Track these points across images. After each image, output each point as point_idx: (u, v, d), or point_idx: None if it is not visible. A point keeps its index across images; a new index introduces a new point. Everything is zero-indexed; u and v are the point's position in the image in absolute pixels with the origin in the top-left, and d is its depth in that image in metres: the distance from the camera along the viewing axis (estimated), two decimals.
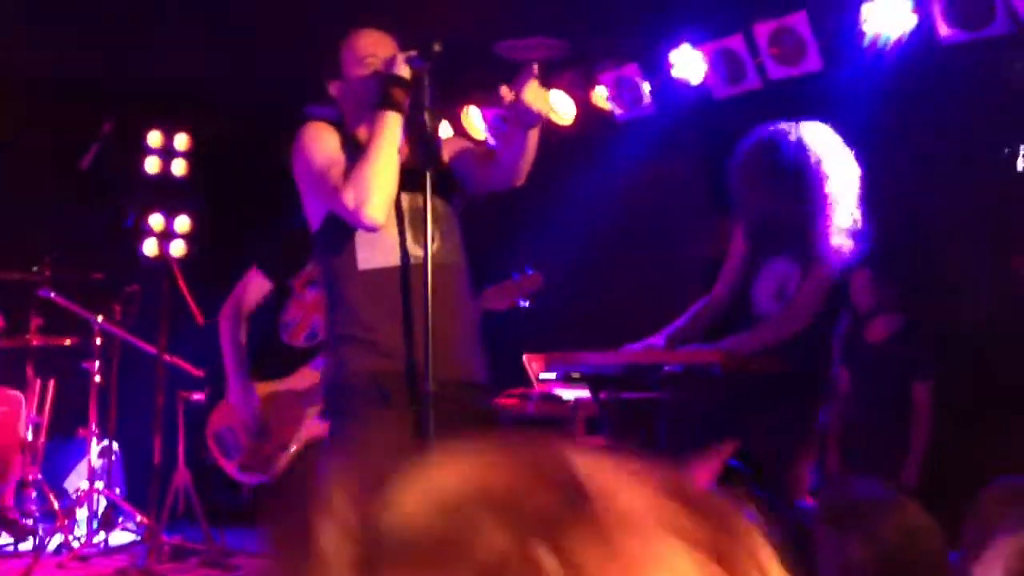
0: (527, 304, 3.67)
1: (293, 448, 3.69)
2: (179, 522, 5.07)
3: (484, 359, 2.70)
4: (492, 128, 6.45)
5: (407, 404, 2.49)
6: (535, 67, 2.51)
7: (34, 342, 5.23)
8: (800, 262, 3.87)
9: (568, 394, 4.73)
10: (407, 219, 2.57)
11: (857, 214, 3.87)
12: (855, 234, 3.85)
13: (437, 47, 2.49)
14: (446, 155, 2.73)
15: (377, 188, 2.45)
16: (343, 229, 2.55)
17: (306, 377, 3.72)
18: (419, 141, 2.57)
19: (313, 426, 3.67)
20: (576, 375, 4.06)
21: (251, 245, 4.15)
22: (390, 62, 2.53)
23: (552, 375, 4.15)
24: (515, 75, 2.50)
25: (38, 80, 6.24)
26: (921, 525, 1.69)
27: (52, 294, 5.19)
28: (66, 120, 6.05)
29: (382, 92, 2.51)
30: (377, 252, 2.54)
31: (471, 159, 2.76)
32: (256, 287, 3.77)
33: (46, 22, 5.56)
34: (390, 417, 2.48)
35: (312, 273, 3.78)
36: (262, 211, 5.58)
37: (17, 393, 5.16)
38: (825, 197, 3.80)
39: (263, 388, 3.75)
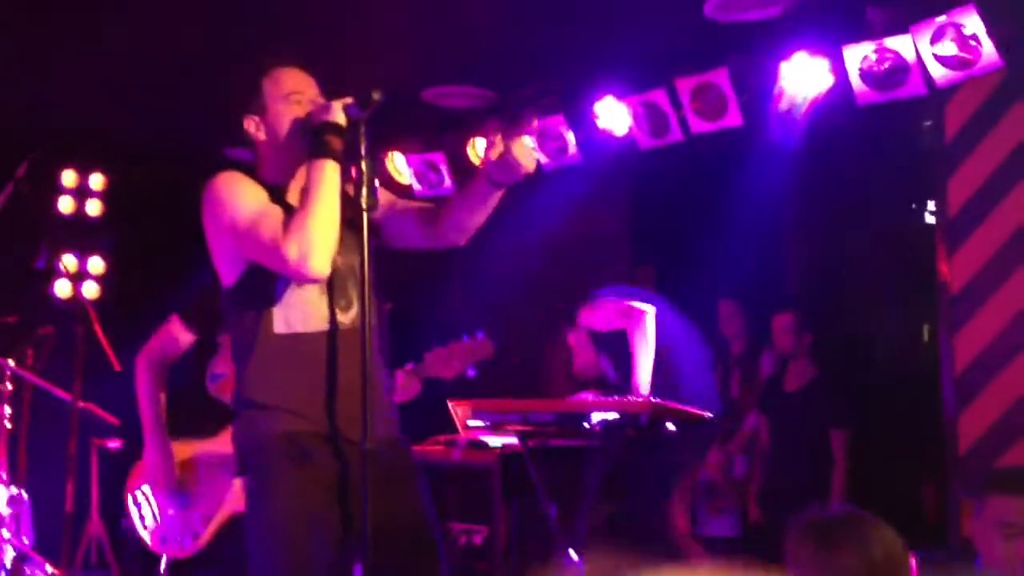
0: (473, 373, 3.44)
1: (217, 520, 3.39)
2: (91, 573, 4.90)
3: (397, 416, 2.62)
4: (417, 174, 6.46)
5: (326, 463, 2.39)
6: (535, 122, 2.43)
7: None
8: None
9: (494, 441, 4.72)
10: (328, 281, 2.43)
11: None
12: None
13: (376, 96, 2.38)
14: (385, 207, 2.62)
15: (321, 239, 2.33)
16: (259, 289, 2.42)
17: (226, 439, 3.46)
18: (355, 192, 2.45)
19: (240, 497, 3.42)
20: (505, 423, 4.06)
21: (171, 293, 3.91)
22: (324, 108, 2.42)
23: (479, 422, 4.13)
24: (507, 123, 2.41)
25: None
26: (894, 536, 1.96)
27: None
28: None
29: (318, 140, 2.40)
30: (295, 315, 2.42)
31: (409, 214, 2.66)
32: (178, 338, 3.42)
33: None
34: (309, 475, 2.38)
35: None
36: (178, 254, 5.47)
37: None
38: None
39: (186, 447, 3.47)
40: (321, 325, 2.44)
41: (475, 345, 3.36)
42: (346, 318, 2.46)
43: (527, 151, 2.42)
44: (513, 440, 4.25)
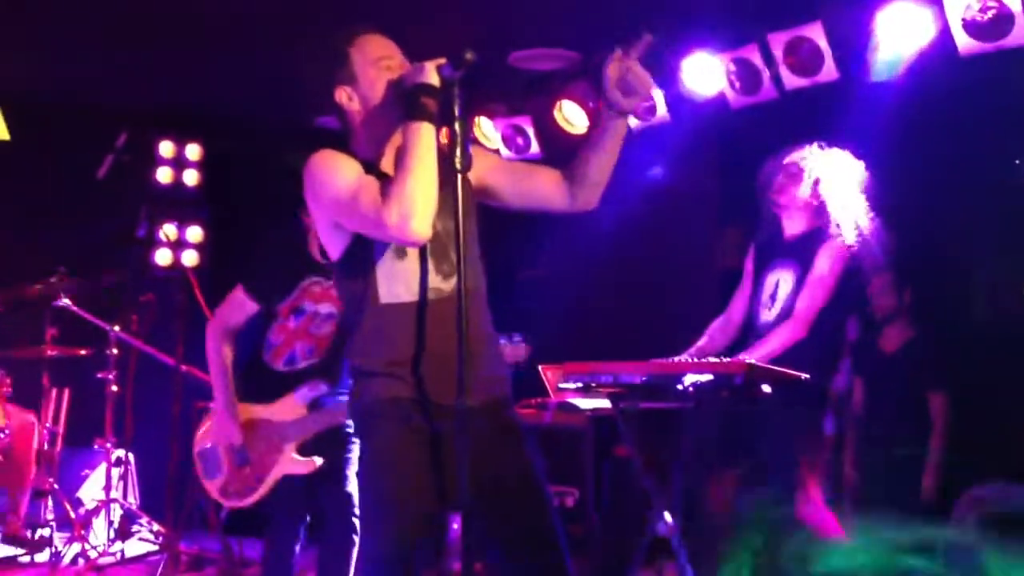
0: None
1: (268, 482, 3.63)
2: (196, 532, 5.08)
3: (506, 376, 2.65)
4: (505, 139, 6.46)
5: (430, 427, 2.43)
6: (650, 37, 2.42)
7: (50, 352, 5.23)
8: (794, 268, 3.91)
9: (585, 404, 4.72)
10: (429, 248, 2.47)
11: (863, 223, 3.90)
12: (860, 244, 3.88)
13: (469, 56, 2.36)
14: (483, 169, 2.63)
15: (421, 200, 2.35)
16: (364, 261, 2.46)
17: (288, 409, 3.64)
18: (449, 153, 2.47)
19: (288, 463, 3.61)
20: (596, 385, 4.05)
21: (240, 263, 4.05)
22: (418, 70, 2.41)
23: (571, 385, 4.13)
24: (600, 59, 2.40)
25: (53, 94, 6.26)
26: None
27: (68, 304, 5.19)
28: (81, 132, 6.06)
29: (412, 102, 2.40)
30: (399, 285, 2.46)
31: (537, 175, 2.67)
32: (241, 308, 3.67)
33: (62, 38, 5.58)
34: (413, 439, 2.44)
35: (297, 302, 3.70)
36: (273, 221, 5.58)
37: (31, 415, 5.16)
38: (824, 212, 3.87)
39: (246, 411, 3.69)
40: (424, 293, 2.47)
41: (511, 348, 3.42)
42: (448, 285, 2.48)
43: (644, 71, 2.41)
44: (604, 403, 4.24)
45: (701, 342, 4.14)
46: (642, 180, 6.00)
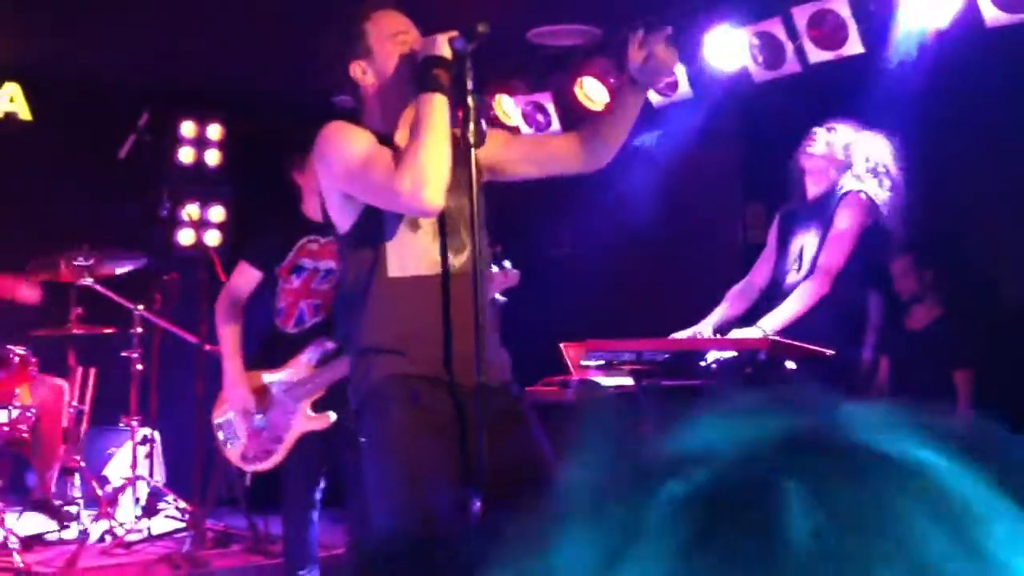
0: (502, 299, 3.62)
1: (286, 443, 3.71)
2: (222, 509, 5.12)
3: (508, 359, 2.64)
4: (525, 116, 6.43)
5: (438, 405, 2.42)
6: (670, 29, 2.47)
7: (75, 331, 5.27)
8: (817, 228, 3.90)
9: (607, 381, 4.71)
10: (440, 222, 2.46)
11: (882, 191, 3.88)
12: (884, 204, 3.87)
13: (482, 28, 2.37)
14: (494, 144, 2.60)
15: (433, 170, 2.34)
16: (374, 233, 2.45)
17: (299, 369, 3.71)
18: (462, 128, 2.45)
19: (304, 421, 3.68)
20: (618, 362, 4.04)
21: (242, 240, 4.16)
22: (430, 42, 2.42)
23: (593, 362, 4.12)
24: (621, 40, 2.44)
25: (75, 73, 6.28)
26: None
27: (92, 283, 5.22)
28: (103, 112, 6.08)
29: (425, 74, 2.40)
30: (409, 258, 2.45)
31: (547, 143, 2.76)
32: (245, 277, 3.82)
33: (83, 19, 5.59)
34: (421, 417, 2.42)
35: (295, 261, 3.77)
36: (296, 200, 5.59)
37: (61, 381, 5.21)
38: (845, 172, 3.90)
39: (260, 377, 3.77)
40: (434, 268, 2.46)
41: (502, 276, 3.51)
42: (458, 260, 2.47)
43: (669, 52, 2.44)
44: (627, 380, 4.23)
45: (720, 309, 4.13)
46: (666, 156, 5.96)
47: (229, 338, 3.75)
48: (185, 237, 6.55)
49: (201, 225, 6.54)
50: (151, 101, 6.06)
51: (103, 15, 5.55)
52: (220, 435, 3.88)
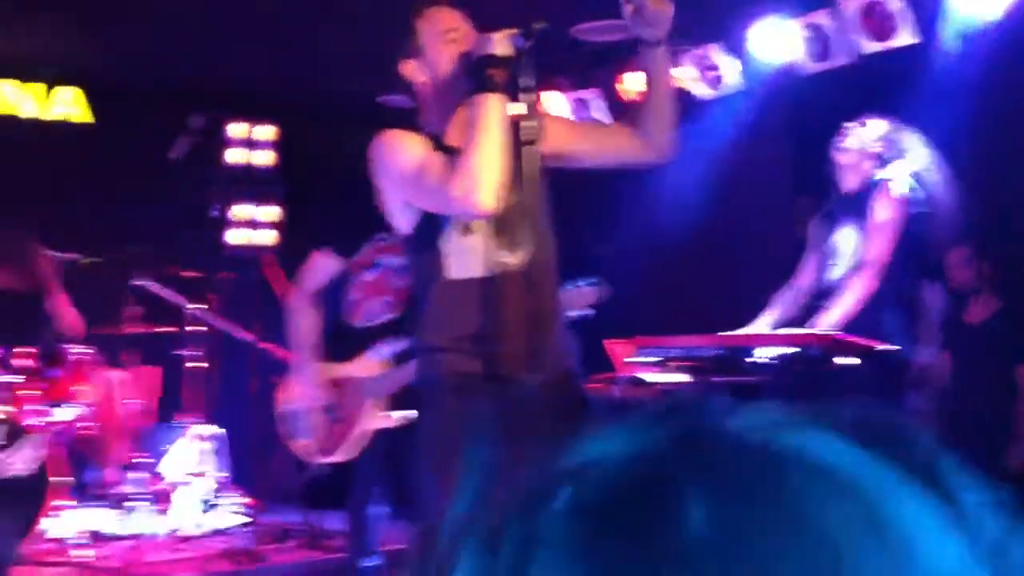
0: (580, 315, 3.59)
1: (353, 439, 3.71)
2: (278, 505, 5.21)
3: (575, 351, 2.66)
4: (572, 113, 6.44)
5: (497, 403, 2.45)
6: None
7: (133, 330, 5.38)
8: (855, 222, 3.88)
9: (654, 378, 4.71)
10: (499, 222, 2.45)
11: (930, 184, 3.85)
12: (927, 198, 3.84)
13: (539, 26, 2.35)
14: (552, 138, 2.60)
15: (487, 173, 2.34)
16: (432, 237, 2.47)
17: (367, 366, 3.72)
18: (520, 125, 2.46)
19: (371, 418, 3.69)
20: (668, 359, 4.04)
21: (339, 227, 4.15)
22: (486, 41, 2.39)
23: (642, 359, 4.13)
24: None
25: (129, 76, 6.40)
26: None
27: (149, 284, 5.33)
28: (161, 114, 6.20)
29: (481, 73, 2.38)
30: (467, 260, 2.46)
31: (602, 133, 2.73)
32: (319, 267, 3.77)
33: (139, 23, 5.69)
34: (479, 415, 2.45)
35: (369, 256, 3.78)
36: (348, 199, 5.65)
37: (120, 378, 5.33)
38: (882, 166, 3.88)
39: (328, 371, 3.77)
40: (492, 268, 2.47)
41: (582, 294, 3.47)
42: (516, 259, 2.48)
43: (661, 4, 2.39)
44: (675, 377, 4.23)
45: (770, 313, 4.10)
46: (715, 150, 5.93)
47: (304, 329, 3.71)
48: (239, 237, 6.65)
49: (254, 225, 6.63)
50: (206, 103, 6.18)
51: (160, 20, 5.65)
52: (287, 426, 3.88)
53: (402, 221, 2.53)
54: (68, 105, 6.53)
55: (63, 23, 5.74)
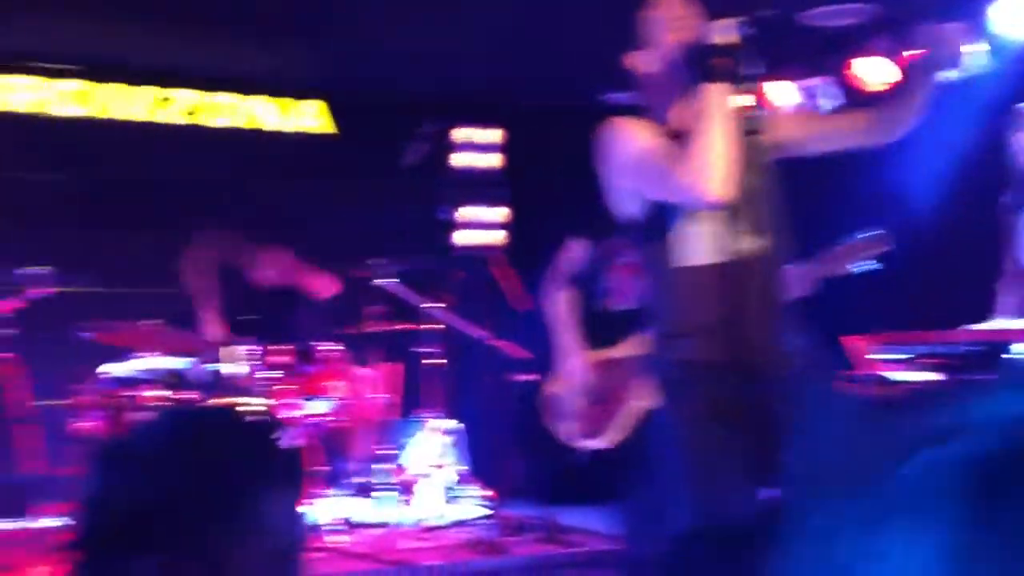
0: (871, 266, 3.48)
1: (620, 420, 3.71)
2: (519, 499, 5.36)
3: (802, 346, 2.60)
4: (801, 101, 6.27)
5: (730, 391, 2.43)
6: (963, 25, 2.43)
7: (374, 328, 5.67)
8: None
9: (896, 376, 4.54)
10: (728, 210, 2.44)
11: None
12: None
13: (764, 13, 2.36)
14: (776, 127, 2.61)
15: (716, 162, 2.34)
16: (660, 225, 2.49)
17: (632, 346, 3.67)
18: (748, 113, 2.44)
19: (638, 398, 3.65)
20: (915, 356, 3.89)
21: (566, 225, 4.17)
22: (712, 29, 2.39)
23: (887, 356, 3.98)
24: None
25: (366, 88, 6.74)
26: None
27: (388, 283, 5.59)
28: (396, 123, 6.49)
29: (708, 62, 2.38)
30: (698, 248, 2.47)
31: (830, 120, 2.74)
32: (574, 254, 3.84)
33: (376, 37, 5.98)
34: (713, 403, 2.44)
35: (623, 240, 3.78)
36: (576, 199, 5.74)
37: (369, 375, 5.63)
38: None
39: (595, 353, 3.79)
40: (724, 255, 2.47)
41: (872, 242, 3.33)
42: (747, 246, 2.47)
43: (963, 43, 2.44)
44: (925, 375, 4.06)
45: (1005, 301, 3.88)
46: (957, 138, 5.64)
47: (563, 313, 3.77)
48: (465, 238, 6.88)
49: (483, 226, 6.85)
50: (437, 111, 6.45)
51: (396, 33, 5.92)
52: (552, 410, 3.90)
53: (628, 209, 2.56)
54: (312, 117, 6.94)
55: (306, 41, 6.12)
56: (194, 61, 6.47)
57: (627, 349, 3.73)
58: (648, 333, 2.67)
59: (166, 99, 6.61)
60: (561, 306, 3.79)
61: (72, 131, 6.33)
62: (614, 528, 4.01)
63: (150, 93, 6.56)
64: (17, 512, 4.68)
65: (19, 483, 4.68)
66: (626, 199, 2.56)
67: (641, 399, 3.66)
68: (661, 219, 2.50)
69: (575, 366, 3.76)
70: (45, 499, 4.69)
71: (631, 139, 2.49)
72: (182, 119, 6.64)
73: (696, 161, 2.34)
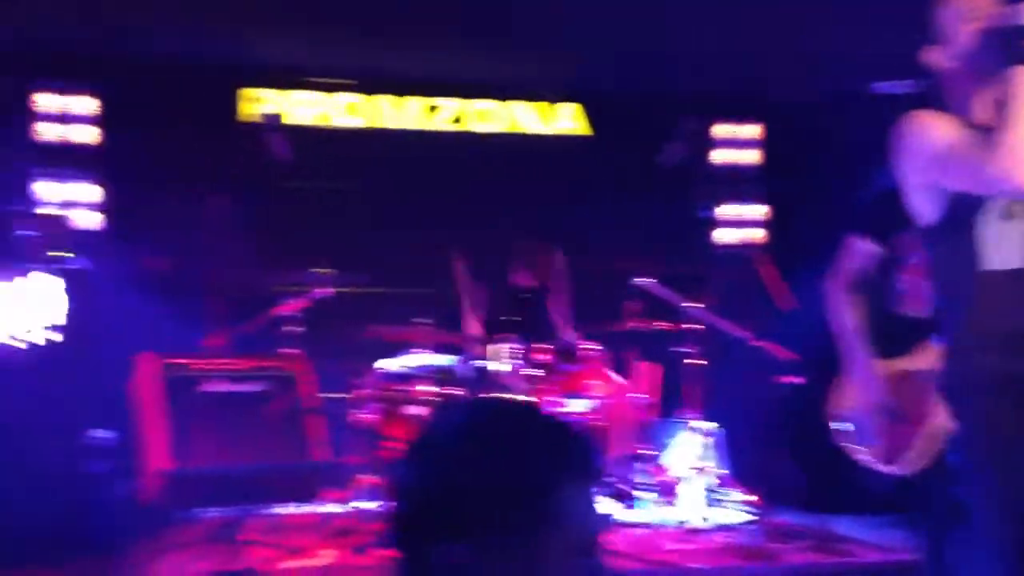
0: None
1: (925, 440, 3.34)
2: (783, 504, 5.22)
3: None
4: None
5: None
6: None
7: (633, 327, 5.68)
8: None
9: None
10: None
11: None
12: None
13: None
14: None
15: None
16: (965, 225, 2.35)
17: (929, 355, 3.29)
18: None
19: (942, 416, 3.33)
20: None
21: (838, 219, 3.91)
22: (1015, 12, 2.26)
23: None
24: None
25: (621, 89, 6.79)
26: None
27: (647, 282, 5.59)
28: (648, 121, 6.50)
29: (1011, 46, 2.26)
30: (1006, 251, 2.31)
31: None
32: (857, 253, 3.46)
33: (626, 37, 6.01)
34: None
35: (915, 239, 3.47)
36: (839, 193, 5.53)
37: (625, 375, 5.66)
38: None
39: (883, 366, 3.43)
40: None
41: None
42: None
43: None
44: None
45: None
46: None
47: (852, 319, 3.43)
48: (725, 236, 6.78)
49: (742, 224, 6.72)
50: (693, 108, 6.40)
51: (650, 34, 5.92)
52: (846, 433, 3.58)
53: (926, 208, 2.43)
54: (570, 120, 7.09)
55: (561, 46, 6.24)
56: (458, 72, 6.79)
57: (921, 360, 3.40)
58: (941, 343, 2.52)
59: (433, 108, 6.98)
60: (849, 312, 3.45)
61: (350, 141, 6.79)
62: (892, 540, 3.79)
63: (419, 103, 6.95)
64: (307, 498, 5.04)
65: (309, 470, 5.04)
66: (922, 197, 2.44)
67: (942, 418, 3.22)
68: (964, 219, 2.37)
69: (871, 381, 3.42)
70: (331, 486, 5.03)
71: (933, 131, 2.39)
72: (449, 126, 6.98)
73: (1008, 147, 2.21)
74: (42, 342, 4.69)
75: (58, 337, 4.80)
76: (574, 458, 1.31)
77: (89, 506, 4.69)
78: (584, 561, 1.28)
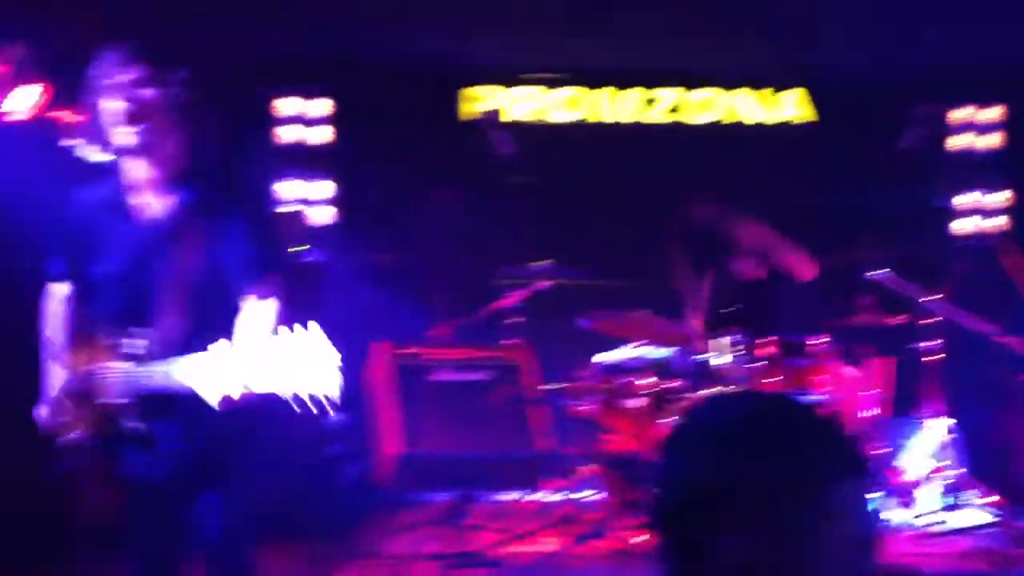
0: None
1: None
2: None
3: None
4: None
5: None
6: None
7: (864, 321, 5.43)
8: None
9: None
10: None
11: None
12: None
13: None
14: None
15: None
16: None
17: None
18: None
19: None
20: None
21: None
22: None
23: None
24: None
25: (847, 74, 6.52)
26: None
27: (883, 275, 5.33)
28: (879, 108, 6.23)
29: None
30: None
31: None
32: None
33: (848, 19, 5.76)
34: None
35: None
36: None
37: (856, 370, 5.41)
38: None
39: None
40: None
41: None
42: None
43: None
44: None
45: None
46: None
47: None
48: (964, 225, 6.38)
49: (982, 213, 6.31)
50: (924, 92, 6.06)
51: (878, 18, 5.65)
52: None
53: None
54: (793, 107, 6.87)
55: (782, 32, 6.04)
56: (676, 62, 6.70)
57: None
58: None
59: (651, 100, 6.91)
60: None
61: (568, 135, 6.82)
62: None
63: (636, 95, 6.90)
64: (530, 485, 5.11)
65: (532, 459, 5.10)
66: None
67: None
68: None
69: None
70: (553, 475, 5.08)
71: None
72: (666, 117, 6.89)
73: None
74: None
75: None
76: (847, 453, 1.26)
77: (325, 487, 4.92)
78: (862, 558, 1.23)
